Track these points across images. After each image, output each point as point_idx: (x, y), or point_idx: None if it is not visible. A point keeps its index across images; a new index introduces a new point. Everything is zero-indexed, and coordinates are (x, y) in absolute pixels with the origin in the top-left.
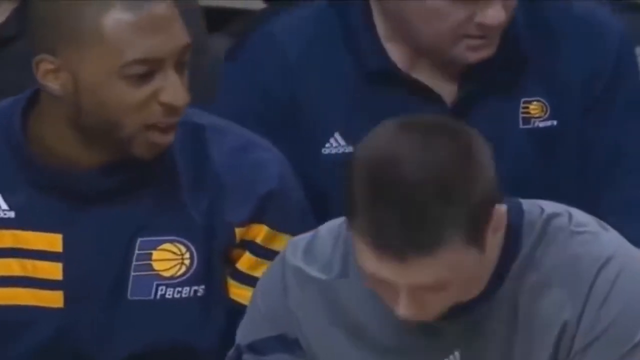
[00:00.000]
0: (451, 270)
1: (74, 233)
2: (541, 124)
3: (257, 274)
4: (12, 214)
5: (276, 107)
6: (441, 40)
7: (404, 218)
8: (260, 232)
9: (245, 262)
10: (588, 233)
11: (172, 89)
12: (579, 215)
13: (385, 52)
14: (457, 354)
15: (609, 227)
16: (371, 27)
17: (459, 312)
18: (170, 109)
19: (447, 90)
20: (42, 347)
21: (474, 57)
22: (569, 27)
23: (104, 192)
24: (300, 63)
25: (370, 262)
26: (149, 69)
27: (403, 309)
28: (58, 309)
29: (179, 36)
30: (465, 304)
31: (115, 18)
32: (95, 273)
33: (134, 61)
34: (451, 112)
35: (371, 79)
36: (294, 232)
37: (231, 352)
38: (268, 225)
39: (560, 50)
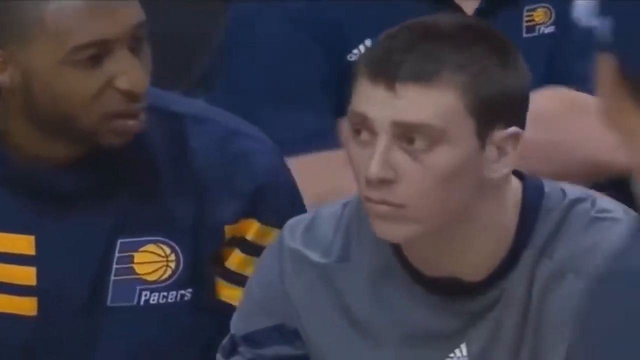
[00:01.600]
0: (439, 119)
1: (47, 234)
2: (546, 30)
3: (248, 272)
4: None
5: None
6: None
7: (406, 48)
8: (250, 228)
9: (235, 260)
10: (610, 219)
11: (128, 73)
12: (604, 201)
13: None
14: (462, 347)
15: (635, 214)
16: None
17: (465, 292)
18: (128, 95)
19: (468, 5)
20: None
21: None
22: None
23: (78, 190)
24: None
25: (364, 96)
26: (96, 52)
27: (374, 163)
28: (30, 317)
29: (128, 15)
30: (473, 287)
31: (57, 5)
32: (72, 278)
33: (79, 47)
34: None
35: None
36: None
37: (225, 342)
38: (259, 220)
39: None
